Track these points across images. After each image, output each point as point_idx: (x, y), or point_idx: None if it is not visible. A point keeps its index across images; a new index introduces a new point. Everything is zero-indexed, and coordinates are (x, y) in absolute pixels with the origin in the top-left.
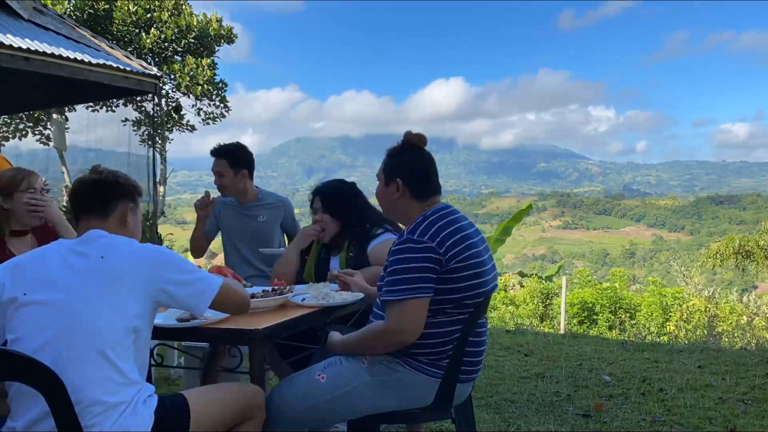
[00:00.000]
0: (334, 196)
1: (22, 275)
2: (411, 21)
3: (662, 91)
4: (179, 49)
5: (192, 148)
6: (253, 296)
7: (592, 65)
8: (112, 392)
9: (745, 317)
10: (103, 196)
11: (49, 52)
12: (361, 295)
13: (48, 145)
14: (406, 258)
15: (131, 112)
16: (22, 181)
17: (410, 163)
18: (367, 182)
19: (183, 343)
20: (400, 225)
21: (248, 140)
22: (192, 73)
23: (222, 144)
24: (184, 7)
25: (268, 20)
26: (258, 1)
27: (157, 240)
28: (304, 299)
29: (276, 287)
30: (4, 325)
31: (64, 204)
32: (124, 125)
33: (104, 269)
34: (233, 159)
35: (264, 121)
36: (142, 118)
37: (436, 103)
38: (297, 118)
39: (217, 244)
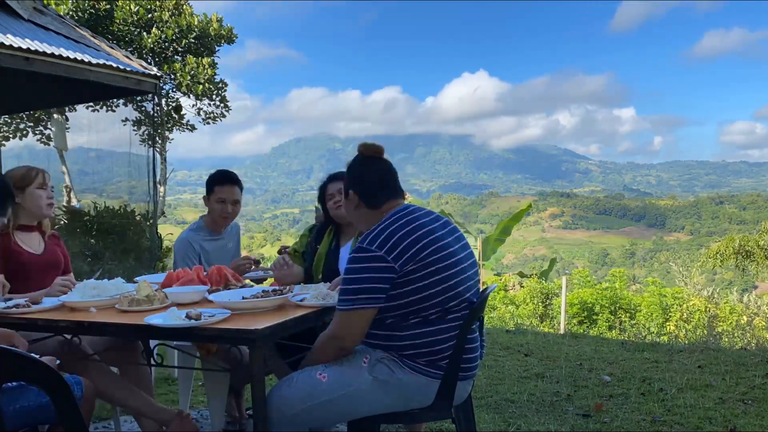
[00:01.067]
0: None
1: None
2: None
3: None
4: (180, 48)
5: (192, 148)
6: (254, 296)
7: (631, 66)
8: None
9: (745, 317)
10: None
11: (49, 52)
12: None
13: (48, 145)
14: (354, 268)
15: (131, 112)
16: (36, 177)
17: (362, 175)
18: None
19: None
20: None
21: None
22: (193, 72)
23: (228, 171)
24: (184, 7)
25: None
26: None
27: (157, 240)
28: (303, 299)
29: (276, 287)
30: None
31: (64, 204)
32: (124, 125)
33: None
34: (242, 187)
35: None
36: (142, 118)
37: (452, 102)
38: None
39: None
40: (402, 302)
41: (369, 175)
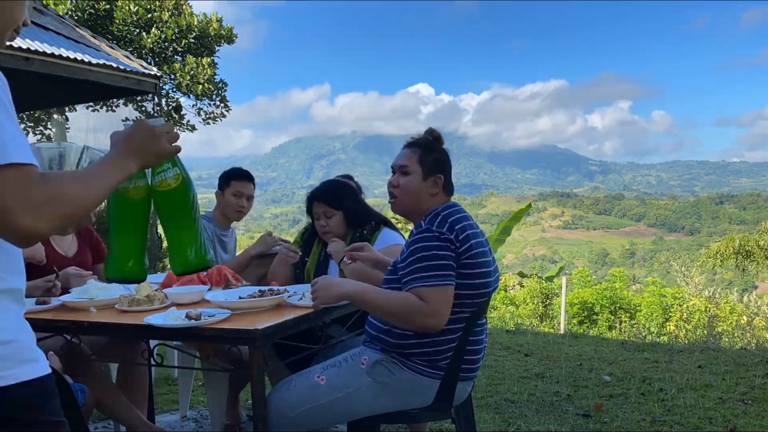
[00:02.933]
0: (337, 194)
1: None
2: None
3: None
4: (180, 48)
5: (192, 148)
6: (250, 296)
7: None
8: None
9: (745, 317)
10: None
11: (49, 52)
12: None
13: None
14: (433, 245)
15: (131, 112)
16: None
17: (446, 159)
18: (367, 182)
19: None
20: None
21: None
22: (192, 72)
23: (242, 168)
24: (184, 7)
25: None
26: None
27: (157, 240)
28: (301, 299)
29: (272, 287)
30: None
31: None
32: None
33: None
34: (255, 186)
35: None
36: (142, 118)
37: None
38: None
39: None
40: None
41: (449, 162)
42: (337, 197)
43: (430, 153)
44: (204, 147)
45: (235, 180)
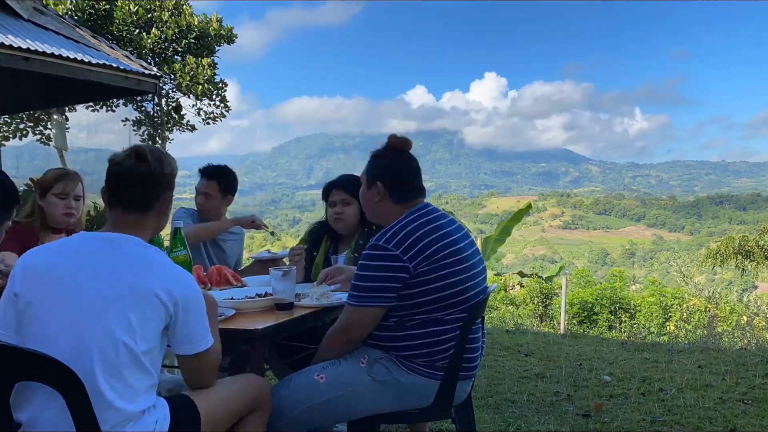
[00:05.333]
0: (355, 184)
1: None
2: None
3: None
4: (179, 49)
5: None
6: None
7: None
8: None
9: (745, 317)
10: (150, 191)
11: (49, 52)
12: None
13: (48, 144)
14: (369, 266)
15: (131, 112)
16: (56, 184)
17: (392, 166)
18: None
19: None
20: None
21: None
22: (192, 72)
23: (213, 165)
24: (184, 7)
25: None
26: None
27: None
28: (301, 299)
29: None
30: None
31: None
32: (124, 125)
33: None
34: (225, 183)
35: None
36: (142, 118)
37: (454, 104)
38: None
39: None
40: (411, 302)
41: (401, 168)
42: (356, 187)
43: (375, 161)
44: (204, 147)
45: (199, 177)
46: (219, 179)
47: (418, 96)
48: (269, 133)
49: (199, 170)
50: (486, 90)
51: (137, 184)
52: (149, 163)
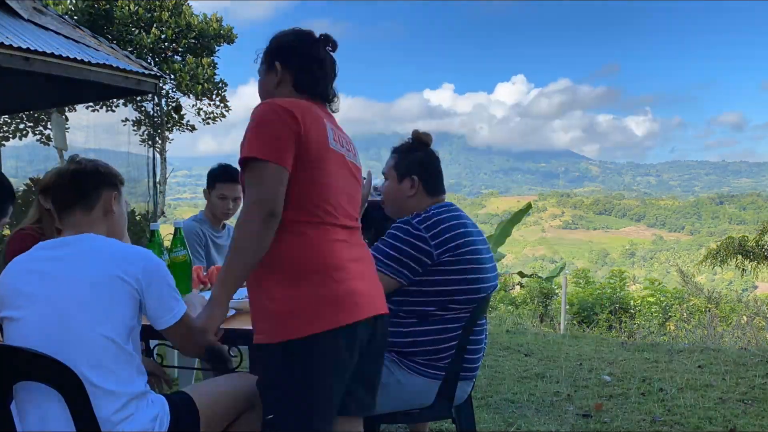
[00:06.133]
0: None
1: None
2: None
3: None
4: (179, 48)
5: (192, 148)
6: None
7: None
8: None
9: (745, 317)
10: (84, 187)
11: (49, 52)
12: None
13: (48, 144)
14: (397, 237)
15: (131, 112)
16: None
17: (423, 160)
18: None
19: None
20: None
21: None
22: (192, 72)
23: (233, 167)
24: (184, 7)
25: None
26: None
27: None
28: None
29: None
30: None
31: None
32: (124, 125)
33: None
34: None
35: None
36: (142, 118)
37: (456, 104)
38: None
39: None
40: (425, 294)
41: (432, 162)
42: None
43: (405, 156)
44: (204, 147)
45: (220, 182)
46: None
47: (419, 98)
48: None
49: (219, 175)
50: (485, 89)
51: (73, 183)
52: (81, 162)
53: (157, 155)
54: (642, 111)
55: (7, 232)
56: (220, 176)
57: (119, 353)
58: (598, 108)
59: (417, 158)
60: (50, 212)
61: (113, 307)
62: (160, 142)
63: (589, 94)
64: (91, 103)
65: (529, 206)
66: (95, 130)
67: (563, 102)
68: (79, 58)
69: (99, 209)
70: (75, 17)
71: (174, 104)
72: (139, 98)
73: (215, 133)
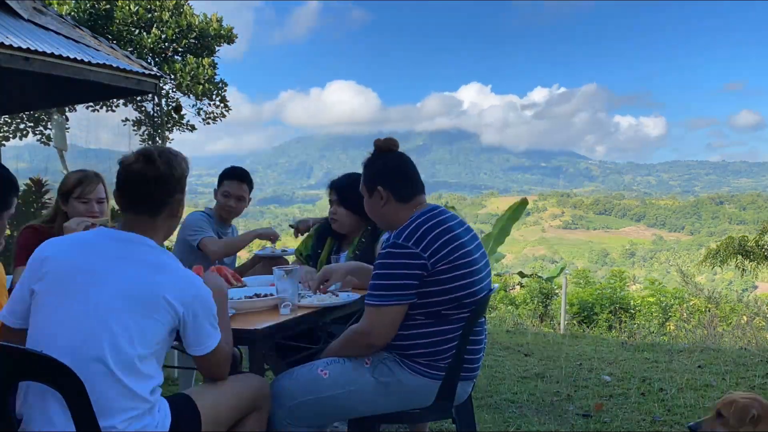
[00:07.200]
0: (349, 189)
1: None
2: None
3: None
4: (180, 48)
5: (192, 148)
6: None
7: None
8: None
9: (745, 317)
10: (159, 195)
11: (49, 52)
12: (358, 295)
13: (48, 144)
14: (389, 264)
15: (131, 112)
16: (75, 188)
17: (385, 167)
18: None
19: None
20: None
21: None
22: (193, 72)
23: (238, 166)
24: (184, 7)
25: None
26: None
27: None
28: (302, 299)
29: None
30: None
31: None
32: (124, 125)
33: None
34: (251, 185)
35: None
36: (142, 118)
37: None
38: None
39: None
40: (423, 301)
41: (394, 168)
42: (344, 193)
43: (368, 168)
44: (204, 146)
45: (227, 179)
46: (249, 181)
47: (421, 95)
48: (271, 132)
49: (227, 173)
50: (486, 89)
51: (146, 188)
52: (157, 166)
53: None
54: (651, 113)
55: (7, 232)
56: (227, 174)
57: (130, 368)
58: (610, 110)
59: (378, 168)
60: (67, 215)
61: (148, 322)
62: (160, 142)
63: (597, 96)
64: (91, 103)
65: (525, 202)
66: (95, 130)
67: (570, 104)
68: (79, 58)
69: (166, 212)
70: (75, 17)
71: (174, 104)
72: (139, 98)
73: (215, 133)
